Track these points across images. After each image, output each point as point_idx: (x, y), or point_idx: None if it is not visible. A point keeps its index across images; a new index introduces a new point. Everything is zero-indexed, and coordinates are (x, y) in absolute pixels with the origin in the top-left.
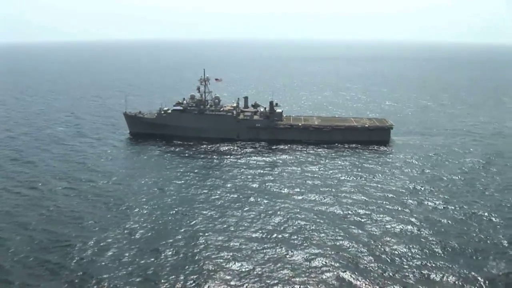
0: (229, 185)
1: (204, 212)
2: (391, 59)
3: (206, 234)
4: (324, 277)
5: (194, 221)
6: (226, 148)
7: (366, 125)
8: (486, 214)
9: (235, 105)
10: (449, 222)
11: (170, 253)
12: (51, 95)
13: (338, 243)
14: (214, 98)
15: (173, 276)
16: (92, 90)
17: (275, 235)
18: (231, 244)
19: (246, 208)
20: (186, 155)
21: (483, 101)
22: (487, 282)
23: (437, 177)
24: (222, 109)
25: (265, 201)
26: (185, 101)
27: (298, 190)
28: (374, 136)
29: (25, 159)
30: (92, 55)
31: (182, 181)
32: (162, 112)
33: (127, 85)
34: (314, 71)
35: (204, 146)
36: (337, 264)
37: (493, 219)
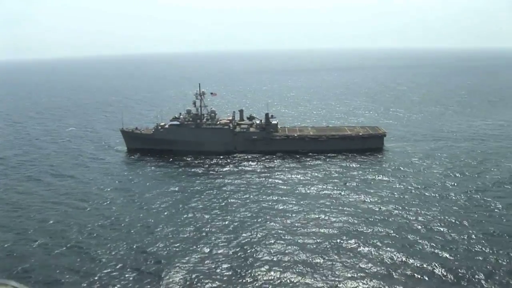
0: (232, 199)
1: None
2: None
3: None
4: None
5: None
6: (225, 161)
7: (360, 134)
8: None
9: (231, 118)
10: (445, 229)
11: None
12: (48, 111)
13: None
14: (210, 112)
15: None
16: (88, 107)
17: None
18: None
19: (247, 221)
20: (186, 169)
21: (474, 104)
22: None
23: (431, 182)
24: (218, 122)
25: (273, 213)
26: (181, 116)
27: (300, 201)
28: (368, 144)
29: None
30: (74, 72)
31: (184, 195)
32: (159, 127)
33: (122, 100)
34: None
35: (203, 159)
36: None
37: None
